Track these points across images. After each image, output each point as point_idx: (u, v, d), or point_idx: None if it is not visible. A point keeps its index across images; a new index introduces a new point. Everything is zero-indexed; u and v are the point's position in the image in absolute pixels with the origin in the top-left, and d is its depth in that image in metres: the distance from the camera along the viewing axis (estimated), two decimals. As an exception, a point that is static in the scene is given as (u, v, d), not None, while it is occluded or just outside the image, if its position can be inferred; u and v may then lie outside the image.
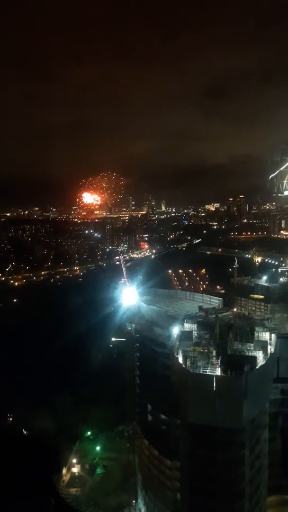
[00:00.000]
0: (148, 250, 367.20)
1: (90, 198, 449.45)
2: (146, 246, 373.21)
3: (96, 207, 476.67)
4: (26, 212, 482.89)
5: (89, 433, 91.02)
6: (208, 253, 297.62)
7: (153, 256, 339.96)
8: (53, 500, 68.95)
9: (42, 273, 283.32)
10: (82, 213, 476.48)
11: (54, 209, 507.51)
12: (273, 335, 50.45)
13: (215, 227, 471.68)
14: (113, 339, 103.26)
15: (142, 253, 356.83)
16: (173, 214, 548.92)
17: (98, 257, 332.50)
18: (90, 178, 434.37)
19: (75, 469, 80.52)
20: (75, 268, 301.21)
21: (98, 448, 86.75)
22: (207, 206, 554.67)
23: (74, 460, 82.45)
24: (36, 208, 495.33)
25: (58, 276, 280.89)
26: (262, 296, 69.07)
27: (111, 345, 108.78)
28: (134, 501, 68.57)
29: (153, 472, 60.45)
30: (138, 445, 67.13)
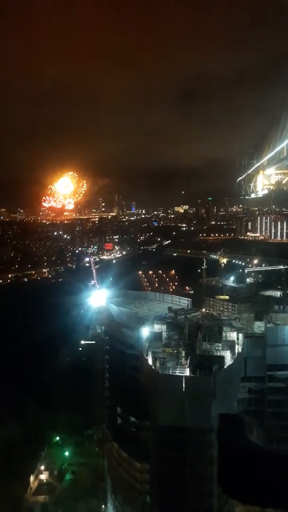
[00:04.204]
0: (118, 252, 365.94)
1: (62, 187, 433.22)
2: (117, 248, 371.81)
3: (65, 208, 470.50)
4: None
5: (57, 438, 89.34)
6: (174, 254, 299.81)
7: (117, 259, 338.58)
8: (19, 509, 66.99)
9: (9, 275, 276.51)
10: (51, 215, 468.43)
11: (21, 210, 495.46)
12: (240, 335, 51.18)
13: (184, 228, 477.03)
14: (82, 342, 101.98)
15: (112, 255, 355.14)
16: (143, 216, 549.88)
17: (68, 259, 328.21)
18: (61, 178, 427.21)
19: (43, 476, 78.75)
20: (44, 270, 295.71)
21: (66, 453, 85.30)
22: (176, 208, 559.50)
23: (42, 467, 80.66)
24: (3, 209, 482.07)
25: (25, 279, 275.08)
26: (227, 297, 70.15)
27: (80, 348, 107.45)
28: (103, 506, 67.74)
29: (122, 475, 59.91)
30: (107, 449, 66.41)
